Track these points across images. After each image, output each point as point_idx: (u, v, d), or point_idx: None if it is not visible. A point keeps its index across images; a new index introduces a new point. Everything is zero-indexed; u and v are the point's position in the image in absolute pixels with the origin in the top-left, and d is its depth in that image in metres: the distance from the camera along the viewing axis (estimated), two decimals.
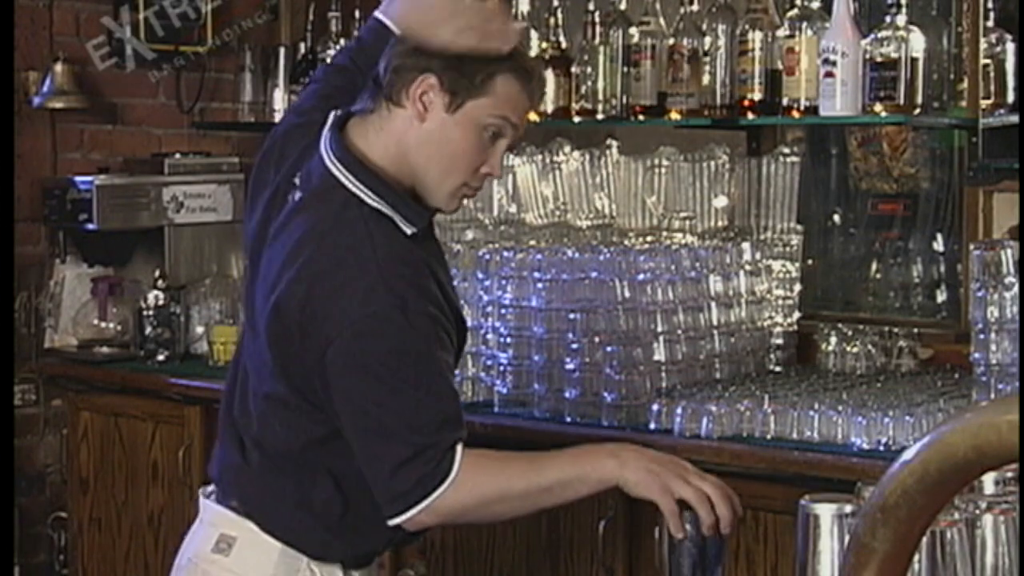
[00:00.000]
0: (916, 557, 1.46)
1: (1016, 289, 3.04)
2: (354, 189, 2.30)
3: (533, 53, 3.96)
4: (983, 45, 3.44)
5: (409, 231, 2.31)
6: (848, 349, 3.69)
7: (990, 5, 3.47)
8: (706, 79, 3.67)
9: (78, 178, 4.50)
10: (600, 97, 3.86)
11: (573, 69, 3.92)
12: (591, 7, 3.93)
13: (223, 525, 2.38)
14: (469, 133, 2.31)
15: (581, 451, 2.31)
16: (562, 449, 2.31)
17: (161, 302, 4.37)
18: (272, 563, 2.34)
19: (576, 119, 3.92)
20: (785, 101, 3.52)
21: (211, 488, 2.47)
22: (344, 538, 2.36)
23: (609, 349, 3.35)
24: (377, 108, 2.35)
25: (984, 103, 3.43)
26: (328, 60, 4.22)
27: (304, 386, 2.30)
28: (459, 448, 2.24)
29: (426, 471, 2.22)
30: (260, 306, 2.37)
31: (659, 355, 3.40)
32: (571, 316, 3.40)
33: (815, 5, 3.54)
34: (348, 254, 2.25)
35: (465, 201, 2.45)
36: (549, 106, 3.93)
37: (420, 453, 2.22)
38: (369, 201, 2.29)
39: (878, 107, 3.36)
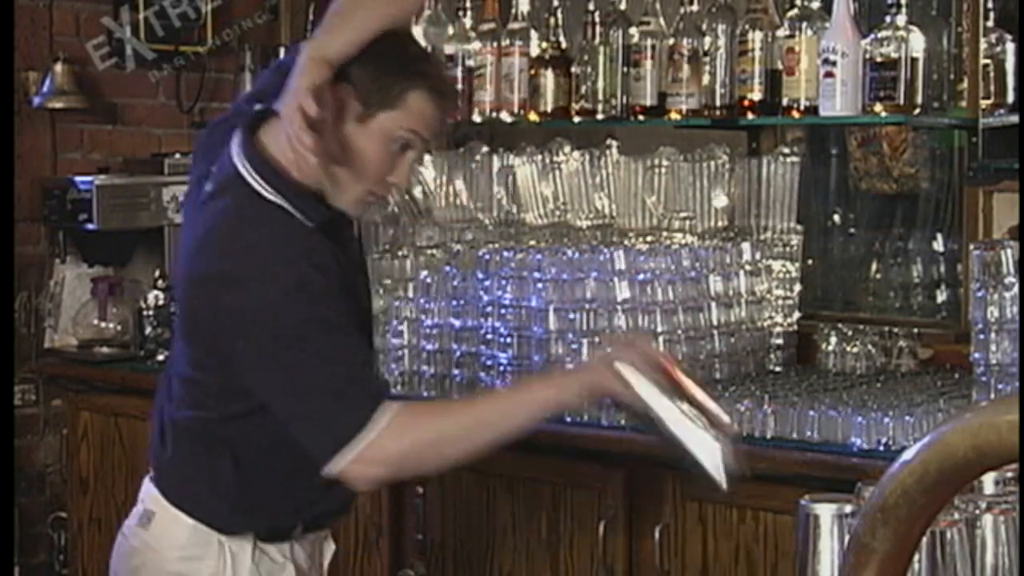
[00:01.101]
0: (916, 557, 1.46)
1: (1016, 289, 3.04)
2: (254, 184, 2.38)
3: (533, 53, 3.97)
4: (983, 45, 3.44)
5: (310, 225, 2.38)
6: (848, 349, 3.69)
7: (990, 5, 3.47)
8: (706, 79, 3.67)
9: (78, 178, 4.50)
10: (600, 97, 3.85)
11: (573, 69, 3.92)
12: (591, 7, 3.93)
13: (147, 500, 2.53)
14: (377, 144, 2.38)
15: (512, 386, 2.47)
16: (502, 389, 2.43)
17: (161, 302, 4.37)
18: (184, 536, 2.46)
19: (576, 119, 3.91)
20: (785, 101, 3.52)
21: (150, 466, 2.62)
22: (249, 514, 2.47)
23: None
24: None
25: (984, 103, 3.43)
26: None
27: (211, 370, 2.41)
28: (385, 400, 2.31)
29: (351, 415, 2.28)
30: (176, 295, 2.57)
31: None
32: (571, 316, 3.40)
33: (815, 5, 3.54)
34: (248, 245, 2.34)
35: (369, 208, 2.60)
36: (549, 106, 3.93)
37: (339, 398, 2.29)
38: (268, 196, 2.37)
39: (878, 107, 3.36)
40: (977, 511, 1.58)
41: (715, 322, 3.55)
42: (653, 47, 3.75)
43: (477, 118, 4.06)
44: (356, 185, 2.41)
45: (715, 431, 2.28)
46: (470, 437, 2.36)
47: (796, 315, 3.80)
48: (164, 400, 2.55)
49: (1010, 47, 3.48)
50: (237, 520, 2.46)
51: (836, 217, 4.10)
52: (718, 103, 3.66)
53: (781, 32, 3.55)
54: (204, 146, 2.58)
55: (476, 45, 4.03)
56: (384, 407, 2.29)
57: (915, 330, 3.73)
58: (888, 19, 3.38)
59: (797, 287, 3.80)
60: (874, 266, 4.03)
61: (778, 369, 3.72)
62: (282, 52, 4.75)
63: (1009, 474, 1.66)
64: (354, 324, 2.39)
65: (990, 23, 3.48)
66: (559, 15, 3.98)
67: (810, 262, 3.98)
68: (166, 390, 2.55)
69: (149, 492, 2.52)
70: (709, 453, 2.27)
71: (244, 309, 2.31)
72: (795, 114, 3.52)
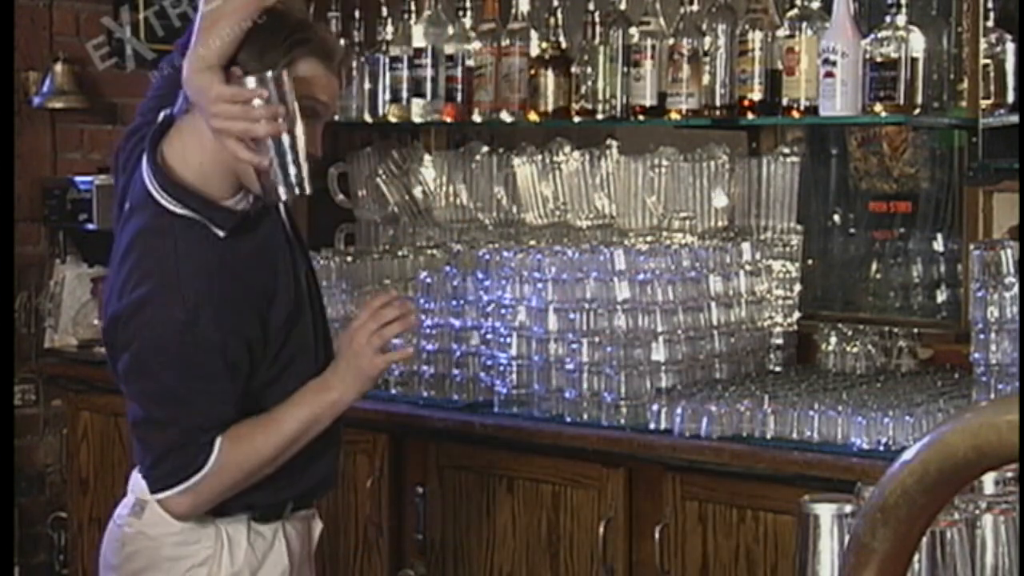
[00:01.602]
0: (916, 557, 1.46)
1: (1016, 289, 3.04)
2: (162, 200, 2.41)
3: (533, 53, 3.97)
4: (983, 45, 3.44)
5: (222, 233, 2.42)
6: (848, 349, 3.69)
7: (990, 5, 3.47)
8: (706, 79, 3.67)
9: (78, 178, 4.50)
10: (600, 97, 3.85)
11: (573, 69, 3.92)
12: (591, 7, 3.93)
13: (139, 491, 2.55)
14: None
15: (304, 395, 2.49)
16: (293, 397, 2.49)
17: None
18: (179, 522, 2.50)
19: (576, 119, 3.91)
20: (785, 101, 3.52)
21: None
22: (242, 493, 2.50)
23: (609, 349, 3.35)
24: (191, 107, 2.42)
25: (984, 103, 3.43)
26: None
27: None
28: (218, 440, 2.42)
29: (183, 462, 2.42)
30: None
31: (659, 355, 3.40)
32: (571, 316, 3.40)
33: (815, 5, 3.54)
34: (154, 267, 2.40)
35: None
36: (549, 106, 3.93)
37: (183, 446, 2.42)
38: (176, 210, 2.41)
39: (878, 107, 3.36)
40: (977, 511, 1.58)
41: (715, 322, 3.55)
42: (653, 47, 3.75)
43: (477, 118, 4.06)
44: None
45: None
46: (285, 454, 2.49)
47: (796, 315, 3.80)
48: None
49: (1010, 47, 3.48)
50: (231, 502, 2.50)
51: (836, 217, 4.10)
52: (718, 103, 3.66)
53: (781, 32, 3.55)
54: (120, 163, 2.59)
55: (476, 45, 4.03)
56: (215, 450, 2.42)
57: (915, 330, 3.73)
58: (888, 19, 3.38)
59: (797, 287, 3.80)
60: (874, 266, 4.03)
61: (778, 369, 3.72)
62: None
63: (1009, 474, 1.66)
64: (242, 352, 2.44)
65: (990, 23, 3.48)
66: (559, 15, 3.98)
67: (810, 262, 3.98)
68: None
69: (139, 483, 2.54)
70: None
71: (128, 315, 2.40)
72: (795, 114, 3.52)
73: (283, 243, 2.57)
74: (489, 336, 3.56)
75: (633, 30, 3.80)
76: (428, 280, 3.71)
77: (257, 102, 2.31)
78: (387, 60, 4.24)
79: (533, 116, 3.96)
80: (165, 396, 2.43)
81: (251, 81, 2.33)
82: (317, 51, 2.44)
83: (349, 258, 4.04)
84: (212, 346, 2.39)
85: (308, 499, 2.65)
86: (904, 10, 3.37)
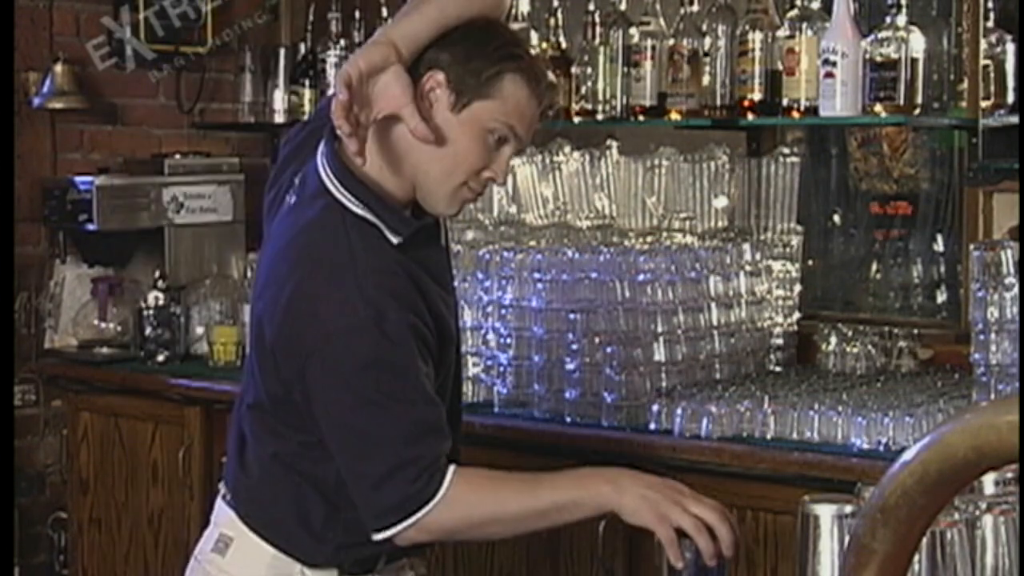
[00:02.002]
0: (916, 557, 1.46)
1: (1016, 289, 3.04)
2: (339, 196, 2.25)
3: (534, 53, 3.96)
4: (983, 45, 3.44)
5: (395, 240, 2.26)
6: (848, 349, 3.69)
7: (990, 5, 3.47)
8: (706, 79, 3.67)
9: (78, 178, 4.50)
10: (600, 97, 3.86)
11: (573, 69, 3.92)
12: (591, 7, 3.93)
13: (224, 525, 2.39)
14: (473, 134, 2.25)
15: (578, 474, 2.28)
16: (558, 472, 2.27)
17: (161, 302, 4.37)
18: (265, 566, 2.34)
19: (576, 119, 3.91)
20: (785, 101, 3.52)
21: (224, 487, 2.47)
22: (335, 546, 2.34)
23: (609, 349, 3.35)
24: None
25: (984, 103, 3.43)
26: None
27: (284, 397, 2.29)
28: (450, 467, 2.21)
29: (414, 488, 2.19)
30: (251, 311, 2.40)
31: (659, 355, 3.40)
32: (571, 316, 3.40)
33: (815, 5, 3.54)
34: (327, 265, 2.22)
35: (466, 205, 2.39)
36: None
37: (403, 467, 2.19)
38: (354, 208, 2.25)
39: (878, 107, 3.36)
40: (977, 511, 1.58)
41: (715, 323, 3.54)
42: (653, 47, 3.75)
43: None
44: (450, 179, 2.27)
45: None
46: (522, 523, 2.28)
47: (796, 315, 3.80)
48: (243, 421, 2.41)
49: (1010, 47, 3.48)
50: (323, 552, 2.34)
51: (836, 217, 4.10)
52: (718, 103, 3.66)
53: (781, 32, 3.55)
54: (286, 154, 2.45)
55: None
56: (448, 477, 2.20)
57: (915, 330, 3.73)
58: (888, 19, 3.38)
59: (797, 287, 3.81)
60: (874, 266, 4.03)
61: (778, 369, 3.72)
62: (282, 52, 4.76)
63: (1009, 474, 1.66)
64: (429, 366, 2.25)
65: (990, 23, 3.48)
66: (559, 15, 3.98)
67: (810, 262, 3.98)
68: (245, 412, 2.41)
69: (226, 515, 2.39)
70: None
71: (316, 337, 2.19)
72: (795, 114, 3.52)
73: (445, 272, 2.42)
74: (489, 336, 3.56)
75: (633, 30, 3.80)
76: None
77: (346, 127, 2.15)
78: None
79: None
80: (364, 403, 2.19)
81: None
82: (526, 71, 2.26)
83: None
84: (403, 341, 2.19)
85: (403, 554, 2.43)
86: (904, 10, 3.37)
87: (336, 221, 2.24)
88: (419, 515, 2.19)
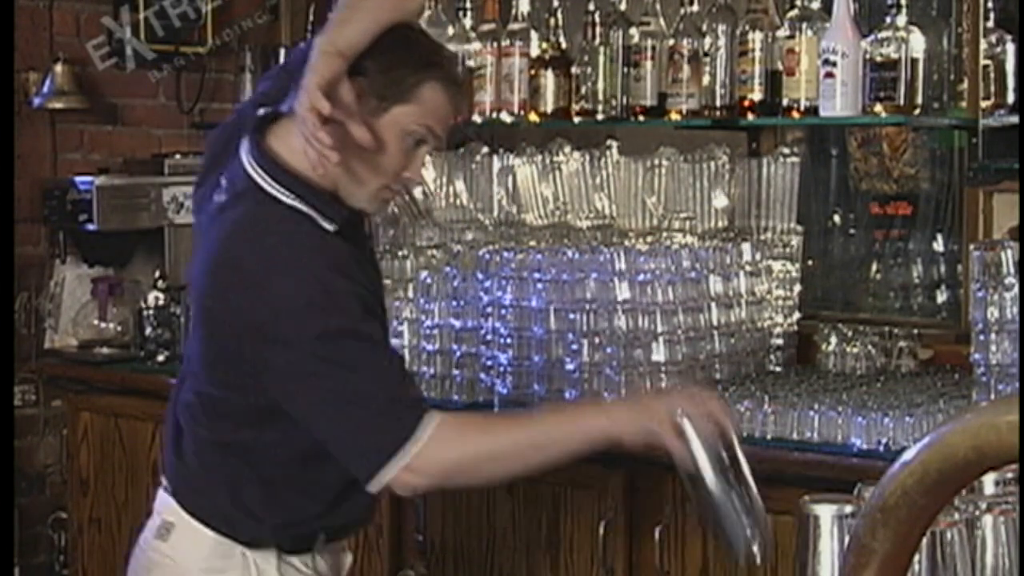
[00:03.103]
0: (916, 557, 1.46)
1: (1016, 289, 3.04)
2: (271, 190, 2.35)
3: (533, 53, 3.97)
4: (983, 45, 3.44)
5: (329, 227, 2.35)
6: (848, 349, 3.69)
7: (990, 5, 3.47)
8: (706, 79, 3.67)
9: (78, 179, 4.50)
10: (600, 97, 3.86)
11: (573, 69, 3.92)
12: (591, 7, 3.93)
13: (165, 512, 2.47)
14: (392, 138, 2.35)
15: (569, 408, 2.39)
16: (550, 410, 2.35)
17: (161, 302, 4.37)
18: (207, 548, 2.42)
19: (576, 119, 3.91)
20: (785, 102, 3.52)
21: (163, 476, 2.56)
22: (274, 527, 2.42)
23: (609, 350, 3.35)
24: None
25: (984, 103, 3.43)
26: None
27: (226, 385, 2.37)
28: (430, 409, 2.27)
29: (399, 425, 2.24)
30: (193, 305, 2.50)
31: (659, 355, 3.40)
32: (571, 316, 3.40)
33: (815, 5, 3.54)
34: (268, 252, 2.31)
35: (387, 204, 2.52)
36: (549, 106, 3.93)
37: (384, 410, 2.25)
38: (286, 200, 2.34)
39: (878, 108, 3.36)
40: (977, 511, 1.58)
41: (715, 323, 3.54)
42: (653, 47, 3.75)
43: (477, 119, 4.06)
44: (372, 180, 2.38)
45: (751, 519, 2.24)
46: (518, 458, 2.33)
47: (796, 315, 3.80)
48: (180, 413, 2.48)
49: (1010, 47, 3.48)
50: (262, 533, 2.42)
51: (836, 217, 4.10)
52: (718, 103, 3.66)
53: (781, 32, 3.55)
54: (211, 155, 2.53)
55: (476, 45, 4.03)
56: (428, 417, 2.25)
57: (915, 330, 3.73)
58: (888, 19, 3.38)
59: (797, 287, 3.80)
60: (874, 266, 4.03)
61: (778, 369, 3.72)
62: (282, 52, 4.76)
63: (1009, 474, 1.66)
64: (380, 328, 2.35)
65: (990, 23, 3.48)
66: (559, 15, 3.98)
67: (810, 262, 3.98)
68: (182, 405, 2.48)
69: (166, 504, 2.46)
70: (738, 536, 2.24)
71: (269, 321, 2.26)
72: (795, 114, 3.52)
73: (373, 260, 2.52)
74: (489, 337, 3.56)
75: (633, 30, 3.80)
76: (428, 281, 3.71)
77: (327, 138, 2.23)
78: None
79: (533, 116, 3.96)
80: (329, 370, 2.25)
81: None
82: (445, 79, 2.38)
83: None
84: (352, 306, 2.27)
85: (342, 533, 2.54)
86: (904, 10, 3.37)
87: (269, 213, 2.34)
88: (409, 452, 2.23)
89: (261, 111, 2.43)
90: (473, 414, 2.33)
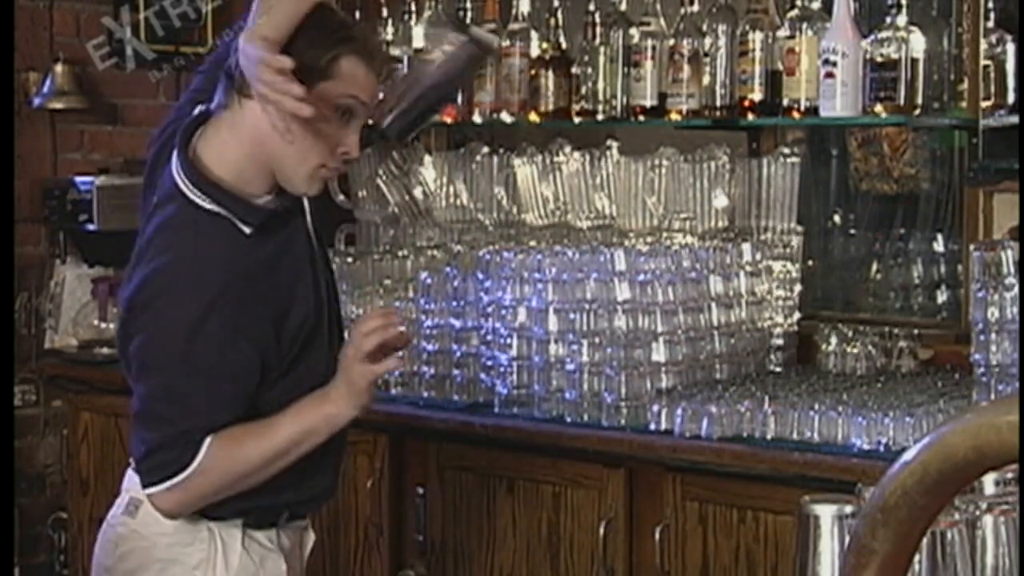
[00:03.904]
0: (916, 558, 1.46)
1: (1016, 290, 3.04)
2: (191, 195, 2.43)
3: (534, 53, 3.97)
4: (983, 45, 3.44)
5: (247, 230, 2.43)
6: (848, 349, 3.69)
7: (990, 5, 3.47)
8: (706, 79, 3.67)
9: (78, 179, 4.50)
10: (600, 98, 3.86)
11: (573, 69, 3.92)
12: (591, 7, 3.93)
13: (132, 490, 2.54)
14: (322, 114, 2.41)
15: (301, 407, 2.47)
16: (287, 409, 2.46)
17: None
18: (173, 523, 2.49)
19: (576, 119, 3.92)
20: (785, 102, 3.52)
21: (131, 459, 2.63)
22: (237, 499, 2.49)
23: (609, 350, 3.35)
24: (230, 103, 2.45)
25: (984, 104, 3.43)
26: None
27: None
28: (207, 439, 2.40)
29: (170, 458, 2.41)
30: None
31: (659, 355, 3.40)
32: (571, 316, 3.40)
33: (815, 5, 3.54)
34: (173, 259, 2.42)
35: (325, 182, 2.55)
36: (549, 106, 3.93)
37: (169, 443, 2.41)
38: (204, 204, 2.43)
39: (878, 108, 3.36)
40: (977, 511, 1.58)
41: (715, 323, 3.54)
42: (653, 47, 3.75)
43: (477, 119, 4.06)
44: (307, 161, 2.44)
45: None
46: (273, 465, 2.46)
47: (796, 315, 3.80)
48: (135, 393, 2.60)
49: (1010, 47, 3.48)
50: (225, 506, 2.49)
51: (836, 217, 4.10)
52: (718, 103, 3.66)
53: (781, 32, 3.56)
54: (152, 158, 2.61)
55: None
56: (203, 450, 2.40)
57: (915, 330, 3.73)
58: (888, 19, 3.38)
59: (797, 287, 3.80)
60: (874, 266, 4.03)
61: (778, 369, 3.72)
62: None
63: (1009, 474, 1.66)
64: (258, 339, 2.43)
65: (990, 23, 3.48)
66: (559, 16, 3.98)
67: (810, 262, 3.98)
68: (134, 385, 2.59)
69: (133, 481, 2.53)
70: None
71: (151, 319, 2.41)
72: (795, 114, 3.52)
73: (306, 249, 2.57)
74: (489, 337, 3.56)
75: (633, 30, 3.80)
76: (428, 281, 3.71)
77: (297, 90, 2.33)
78: None
79: (533, 116, 3.96)
80: (167, 391, 2.42)
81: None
82: (360, 50, 2.46)
83: (349, 259, 4.04)
84: (221, 345, 2.40)
85: (304, 509, 2.63)
86: (904, 10, 3.37)
87: (186, 218, 2.44)
88: (176, 480, 2.41)
89: (196, 110, 2.52)
90: (229, 434, 2.45)
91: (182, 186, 2.44)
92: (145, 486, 2.46)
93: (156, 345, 2.42)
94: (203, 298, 2.38)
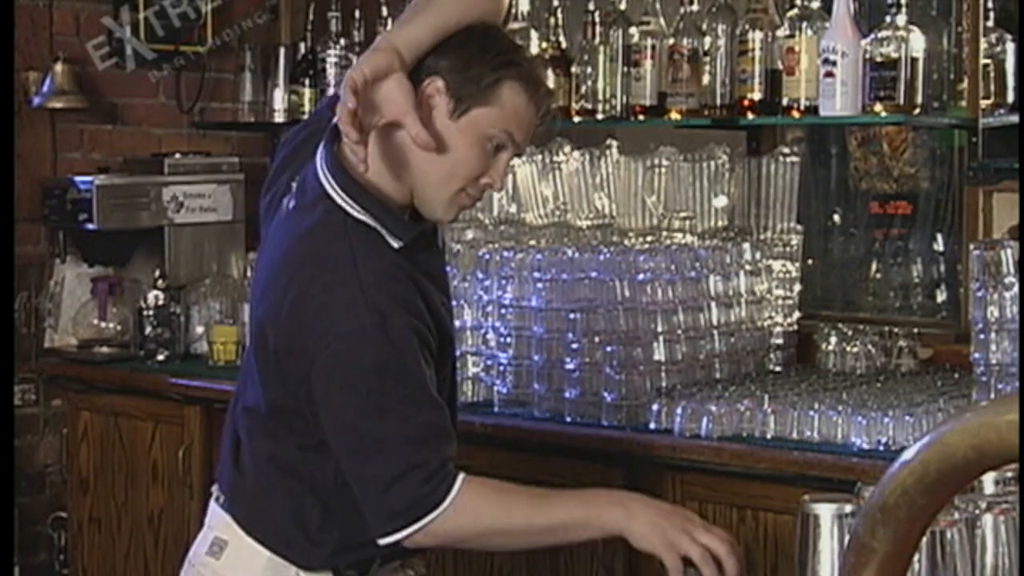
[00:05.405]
0: (916, 557, 1.46)
1: (1016, 289, 3.04)
2: (340, 201, 2.25)
3: (533, 52, 3.96)
4: (983, 45, 3.44)
5: (396, 244, 2.26)
6: (848, 349, 3.69)
7: (990, 5, 3.48)
8: (706, 79, 3.67)
9: (78, 178, 4.50)
10: (600, 97, 3.86)
11: (573, 69, 3.92)
12: (591, 7, 3.93)
13: (219, 528, 2.39)
14: (471, 142, 2.26)
15: (588, 495, 2.28)
16: (568, 491, 2.27)
17: (161, 302, 4.37)
18: (260, 568, 2.34)
19: (576, 119, 3.91)
20: (785, 101, 3.52)
21: (217, 490, 2.47)
22: (331, 549, 2.35)
23: (609, 349, 3.35)
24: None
25: (984, 103, 3.43)
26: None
27: (285, 402, 2.29)
28: (459, 474, 2.22)
29: (423, 491, 2.19)
30: (251, 316, 2.41)
31: (659, 355, 3.40)
32: (571, 316, 3.40)
33: (815, 5, 3.54)
34: (329, 270, 2.22)
35: (464, 211, 2.40)
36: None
37: (412, 469, 2.19)
38: (355, 213, 2.25)
39: (878, 107, 3.36)
40: (977, 511, 1.58)
41: (715, 322, 3.54)
42: (653, 47, 3.75)
43: None
44: (448, 185, 2.28)
45: None
46: (529, 537, 2.29)
47: (796, 315, 3.80)
48: (239, 424, 2.41)
49: (1010, 47, 3.48)
50: (319, 555, 2.34)
51: (836, 217, 4.10)
52: (718, 103, 3.66)
53: (781, 32, 3.55)
54: (282, 157, 2.45)
55: None
56: (458, 483, 2.20)
57: (915, 330, 3.73)
58: (888, 19, 3.38)
59: (797, 287, 3.80)
60: (874, 266, 4.03)
61: (778, 369, 3.72)
62: (282, 52, 4.76)
63: (1009, 474, 1.66)
64: (430, 366, 2.25)
65: (990, 23, 3.48)
66: (559, 15, 3.98)
67: (810, 262, 3.98)
68: (241, 416, 2.41)
69: (220, 519, 2.39)
70: None
71: (324, 339, 2.19)
72: (795, 114, 3.52)
73: (444, 273, 2.43)
74: (489, 336, 3.56)
75: (633, 30, 3.80)
76: None
77: (353, 135, 2.15)
78: None
79: None
80: (370, 406, 2.19)
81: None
82: (525, 78, 2.27)
83: None
84: (407, 345, 2.19)
85: (398, 555, 2.43)
86: (904, 10, 3.37)
87: (337, 226, 2.24)
88: (428, 519, 2.18)
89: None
90: (496, 483, 2.26)
91: (332, 192, 2.25)
92: (384, 535, 2.22)
93: (344, 361, 2.18)
94: (372, 306, 2.18)
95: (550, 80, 3.88)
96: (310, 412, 2.25)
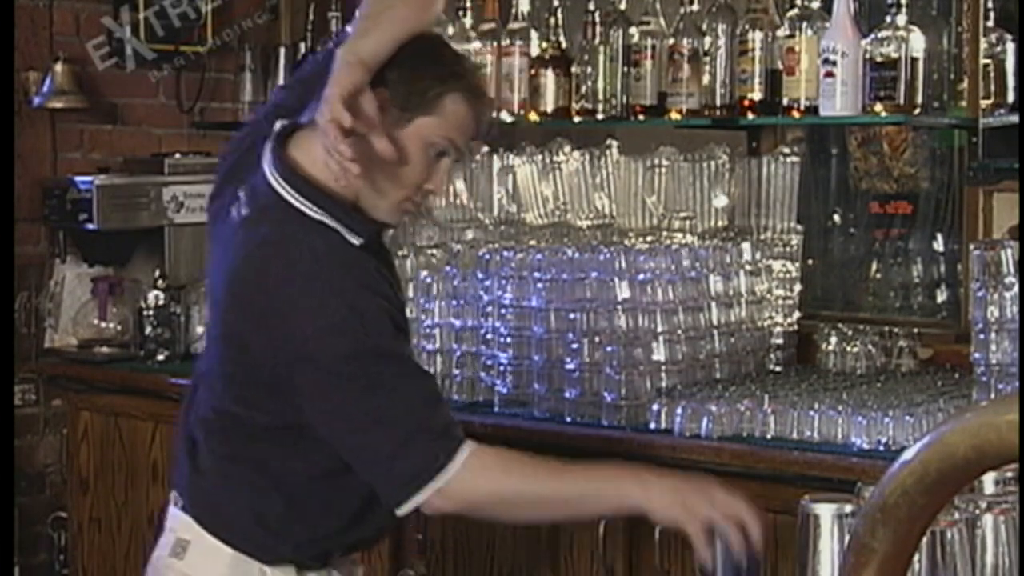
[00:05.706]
0: (916, 557, 1.46)
1: (1016, 289, 3.04)
2: (296, 204, 2.31)
3: (533, 53, 3.97)
4: (983, 45, 3.44)
5: (356, 241, 2.32)
6: (848, 349, 3.69)
7: (990, 5, 3.48)
8: (706, 79, 3.67)
9: (78, 178, 4.50)
10: (600, 97, 3.86)
11: (573, 69, 3.92)
12: (591, 7, 3.93)
13: (180, 530, 2.43)
14: (415, 149, 2.33)
15: (605, 467, 2.32)
16: (585, 464, 2.29)
17: (161, 302, 4.37)
18: (224, 566, 2.38)
19: (576, 119, 3.91)
20: (785, 101, 3.52)
21: (175, 494, 2.50)
22: (292, 542, 2.39)
23: (609, 349, 3.35)
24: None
25: (984, 103, 3.43)
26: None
27: (256, 403, 2.34)
28: (466, 440, 2.25)
29: (433, 451, 2.22)
30: (210, 319, 2.46)
31: (659, 355, 3.40)
32: (571, 316, 3.40)
33: (815, 5, 3.54)
34: (294, 270, 2.27)
35: (406, 216, 2.48)
36: (549, 106, 3.93)
37: (417, 433, 2.23)
38: (312, 214, 2.31)
39: (878, 107, 3.36)
40: (977, 511, 1.58)
41: (715, 322, 3.54)
42: (653, 47, 3.75)
43: None
44: (395, 192, 2.35)
45: None
46: (547, 506, 2.32)
47: (796, 315, 3.80)
48: (195, 427, 2.45)
49: (1010, 47, 3.48)
50: (282, 550, 2.39)
51: (836, 217, 4.10)
52: (718, 103, 3.66)
53: (781, 32, 3.55)
54: (226, 167, 2.49)
55: (476, 45, 4.03)
56: (468, 444, 2.24)
57: (915, 330, 3.73)
58: (888, 19, 3.38)
59: (797, 287, 3.80)
60: (874, 266, 4.03)
61: (778, 369, 3.71)
62: (282, 52, 4.76)
63: (1009, 474, 1.66)
64: (408, 345, 2.33)
65: (990, 23, 3.48)
66: (559, 15, 3.98)
67: (810, 262, 3.98)
68: (196, 419, 2.44)
69: (180, 520, 2.42)
70: None
71: (298, 341, 2.24)
72: (795, 114, 3.52)
73: (395, 275, 2.49)
74: (489, 336, 3.56)
75: (633, 30, 3.80)
76: (428, 280, 3.71)
77: (347, 151, 2.19)
78: None
79: (533, 116, 3.96)
80: (358, 389, 2.24)
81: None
82: (468, 90, 2.36)
83: None
84: (383, 329, 2.25)
85: (358, 548, 2.52)
86: (904, 10, 3.37)
87: (296, 228, 2.30)
88: (441, 480, 2.22)
89: (279, 124, 2.39)
90: (511, 452, 2.29)
91: (285, 195, 2.31)
92: (402, 500, 2.26)
93: (329, 359, 2.24)
94: (344, 300, 2.25)
95: (548, 76, 3.89)
96: (280, 412, 2.30)
